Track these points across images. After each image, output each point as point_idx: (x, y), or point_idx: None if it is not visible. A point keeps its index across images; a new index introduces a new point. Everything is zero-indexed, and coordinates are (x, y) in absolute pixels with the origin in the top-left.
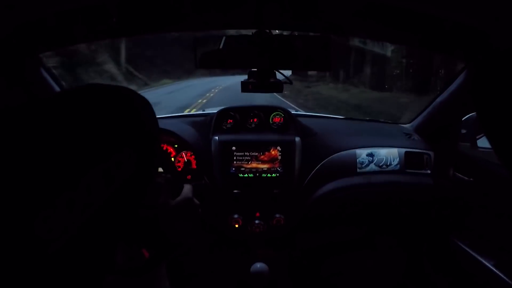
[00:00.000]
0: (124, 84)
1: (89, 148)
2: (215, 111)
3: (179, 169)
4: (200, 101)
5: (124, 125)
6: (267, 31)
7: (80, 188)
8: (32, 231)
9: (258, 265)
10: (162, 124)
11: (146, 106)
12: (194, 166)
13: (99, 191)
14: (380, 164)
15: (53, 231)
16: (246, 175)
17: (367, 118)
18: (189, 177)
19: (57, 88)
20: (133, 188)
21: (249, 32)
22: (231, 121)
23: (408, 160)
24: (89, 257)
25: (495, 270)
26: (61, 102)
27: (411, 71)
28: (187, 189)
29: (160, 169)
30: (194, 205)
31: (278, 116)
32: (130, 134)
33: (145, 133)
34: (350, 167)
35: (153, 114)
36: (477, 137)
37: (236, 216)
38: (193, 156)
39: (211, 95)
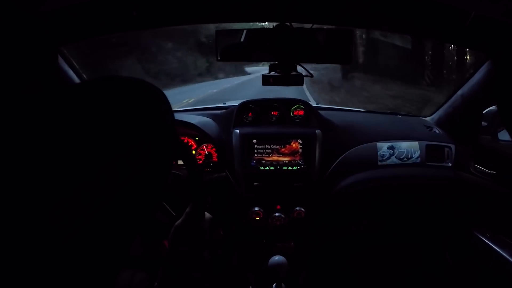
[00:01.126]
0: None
1: (105, 139)
2: (236, 104)
3: (200, 161)
4: None
5: (140, 116)
6: (288, 24)
7: (96, 178)
8: (46, 221)
9: (276, 258)
10: (183, 117)
11: (161, 98)
12: (215, 159)
13: (114, 182)
14: (401, 157)
15: (67, 222)
16: (267, 167)
17: (388, 111)
18: (208, 169)
19: (76, 80)
20: (148, 181)
21: (270, 25)
22: (251, 114)
23: (429, 153)
24: (103, 250)
25: None
26: (79, 92)
27: None
28: (206, 221)
29: (180, 162)
30: (205, 237)
31: (299, 109)
32: (146, 125)
33: (161, 124)
34: (371, 160)
35: (169, 106)
36: (498, 130)
37: (256, 208)
38: (214, 149)
39: None
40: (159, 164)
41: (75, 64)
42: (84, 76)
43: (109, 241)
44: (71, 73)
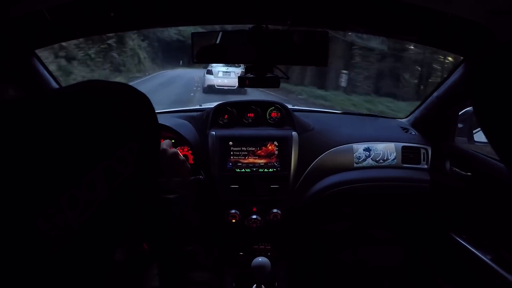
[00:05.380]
0: None
1: (90, 145)
2: (212, 106)
3: None
4: None
5: (125, 121)
6: (264, 26)
7: (83, 184)
8: (34, 231)
9: (260, 259)
10: (158, 119)
11: (145, 102)
12: (191, 161)
13: (101, 188)
14: (377, 159)
15: (55, 230)
16: (243, 170)
17: (364, 113)
18: None
19: (54, 84)
20: (135, 185)
21: (246, 27)
22: (227, 116)
23: (405, 154)
24: (92, 256)
25: (493, 265)
26: (62, 98)
27: None
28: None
29: None
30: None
31: (275, 111)
32: (131, 130)
33: (146, 128)
34: (347, 162)
35: (152, 109)
36: (474, 131)
37: (233, 211)
38: (190, 152)
39: None
40: (146, 168)
41: (48, 68)
42: (60, 79)
43: (98, 246)
44: (47, 76)
